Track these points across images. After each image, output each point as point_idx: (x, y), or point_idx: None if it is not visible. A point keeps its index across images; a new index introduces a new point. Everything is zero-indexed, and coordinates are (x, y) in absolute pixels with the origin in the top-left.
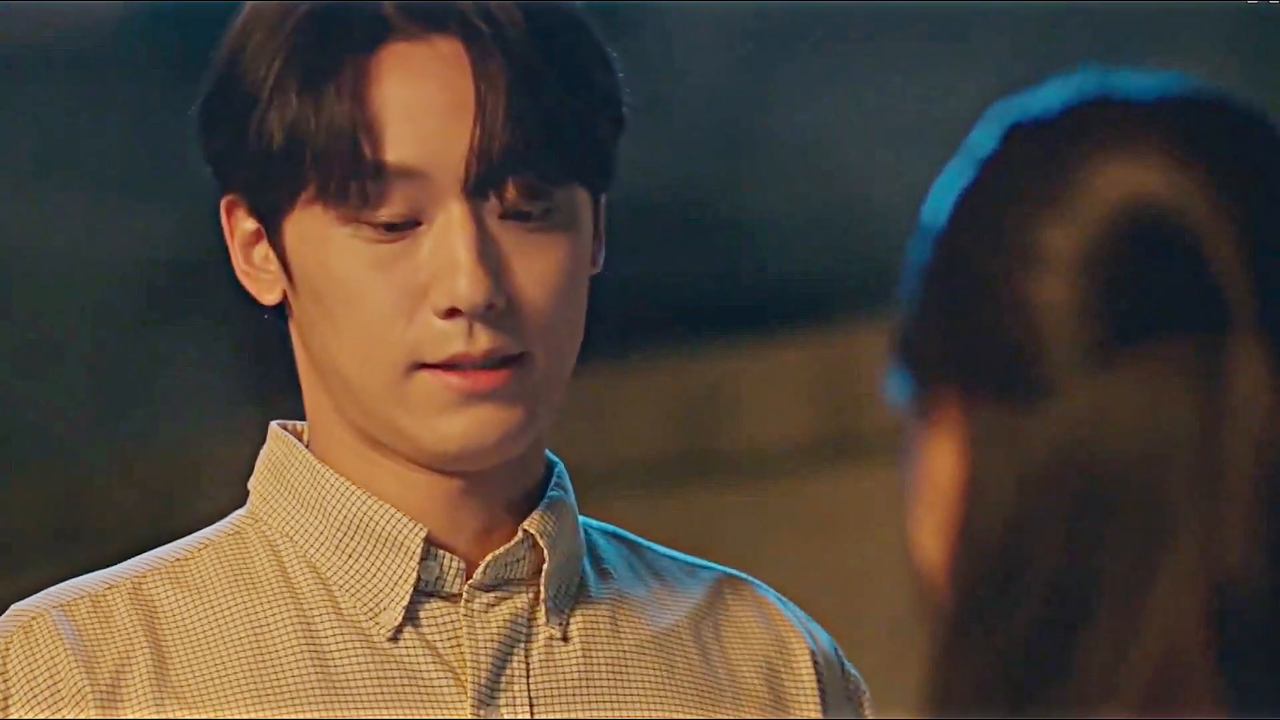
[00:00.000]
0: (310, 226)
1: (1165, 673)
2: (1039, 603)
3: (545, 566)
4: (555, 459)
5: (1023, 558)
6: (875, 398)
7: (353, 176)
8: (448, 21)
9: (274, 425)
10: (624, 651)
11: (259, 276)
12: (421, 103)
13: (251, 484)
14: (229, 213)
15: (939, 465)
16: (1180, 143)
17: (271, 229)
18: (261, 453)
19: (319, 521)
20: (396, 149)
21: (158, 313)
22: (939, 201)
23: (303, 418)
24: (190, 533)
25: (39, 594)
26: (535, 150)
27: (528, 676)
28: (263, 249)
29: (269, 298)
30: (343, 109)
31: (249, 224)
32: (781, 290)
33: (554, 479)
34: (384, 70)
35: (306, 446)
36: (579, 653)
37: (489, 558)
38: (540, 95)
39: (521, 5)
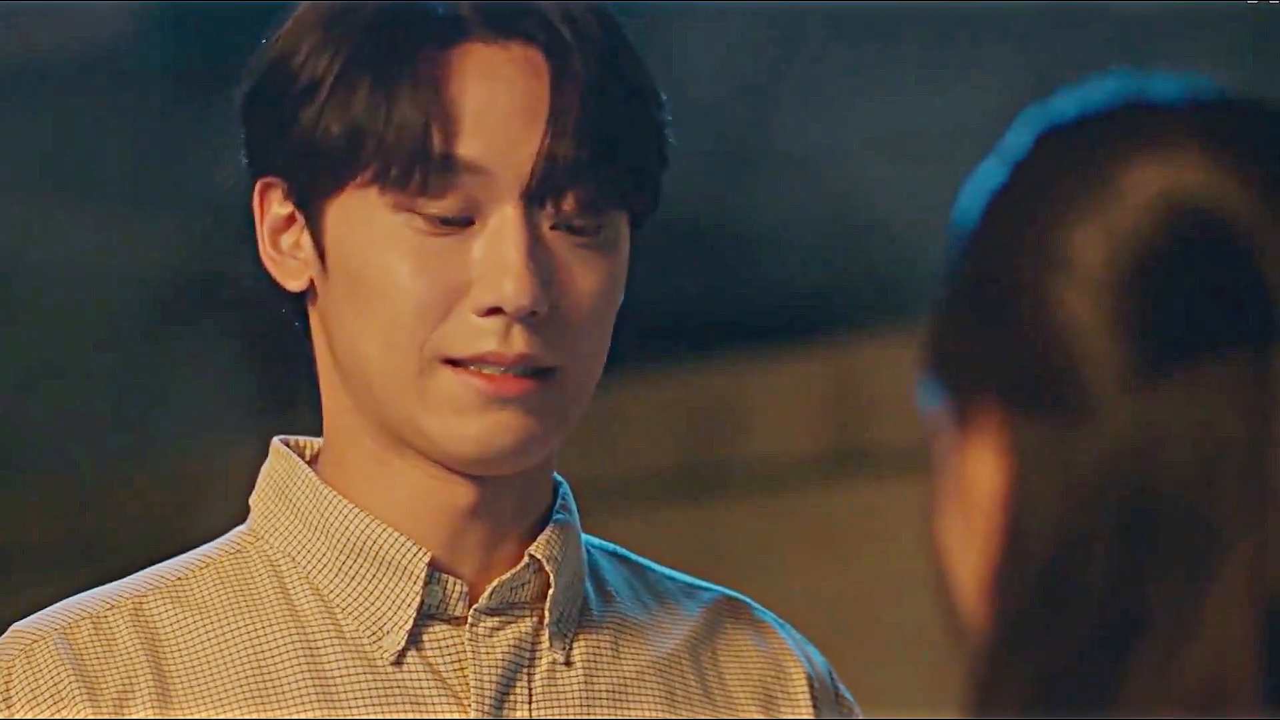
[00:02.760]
0: (358, 209)
1: (1213, 690)
2: (1087, 618)
3: (550, 592)
4: (560, 479)
5: (1071, 573)
6: (882, 411)
7: (417, 166)
8: (526, 27)
9: (276, 441)
10: (625, 677)
11: (285, 263)
12: (494, 102)
13: (252, 501)
14: (262, 196)
15: (978, 477)
16: (1218, 147)
17: (311, 211)
18: (263, 469)
19: (322, 542)
20: (464, 144)
21: (164, 325)
22: (970, 204)
23: (311, 432)
24: (197, 545)
25: (39, 614)
26: (600, 165)
27: (530, 701)
28: (292, 235)
29: (294, 284)
30: (416, 102)
31: (282, 209)
32: (788, 304)
33: (559, 500)
34: (459, 69)
35: (310, 463)
36: (581, 678)
37: (495, 583)
38: (609, 114)
39: (600, 22)
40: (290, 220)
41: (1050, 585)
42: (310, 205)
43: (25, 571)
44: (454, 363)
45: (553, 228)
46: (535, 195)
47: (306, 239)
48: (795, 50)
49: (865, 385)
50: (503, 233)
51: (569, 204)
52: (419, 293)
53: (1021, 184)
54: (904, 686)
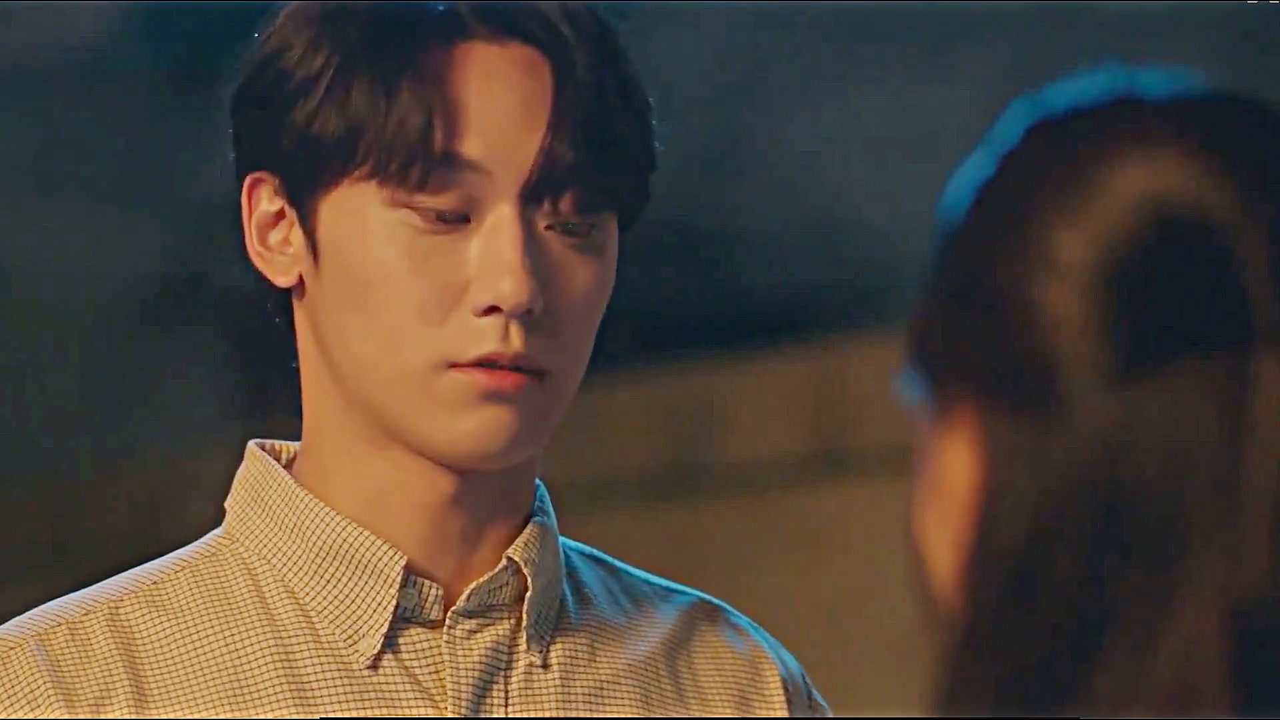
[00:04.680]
0: (353, 204)
1: (1182, 689)
2: (1057, 615)
3: (528, 594)
4: (537, 481)
5: (1042, 569)
6: (865, 412)
7: (418, 161)
8: (526, 27)
9: (251, 445)
10: (601, 681)
11: (274, 259)
12: (495, 101)
13: (228, 504)
14: (250, 191)
15: (953, 471)
16: (1205, 145)
17: (303, 208)
18: (238, 472)
19: (297, 545)
20: (465, 142)
21: (148, 326)
22: (957, 195)
23: (290, 437)
24: (177, 547)
25: (14, 621)
26: (597, 166)
27: (506, 704)
28: (281, 231)
29: (283, 280)
30: (418, 98)
31: (271, 205)
32: (771, 305)
33: (536, 502)
34: (460, 67)
35: (286, 467)
36: (557, 681)
37: (473, 585)
38: (608, 115)
39: (598, 26)
40: (279, 216)
41: (1021, 581)
42: (303, 200)
43: (3, 574)
44: (457, 365)
45: (547, 228)
46: (533, 194)
47: (297, 234)
48: (778, 51)
49: (849, 387)
50: (500, 231)
51: (566, 204)
52: (418, 293)
53: (1008, 177)
54: (887, 687)
